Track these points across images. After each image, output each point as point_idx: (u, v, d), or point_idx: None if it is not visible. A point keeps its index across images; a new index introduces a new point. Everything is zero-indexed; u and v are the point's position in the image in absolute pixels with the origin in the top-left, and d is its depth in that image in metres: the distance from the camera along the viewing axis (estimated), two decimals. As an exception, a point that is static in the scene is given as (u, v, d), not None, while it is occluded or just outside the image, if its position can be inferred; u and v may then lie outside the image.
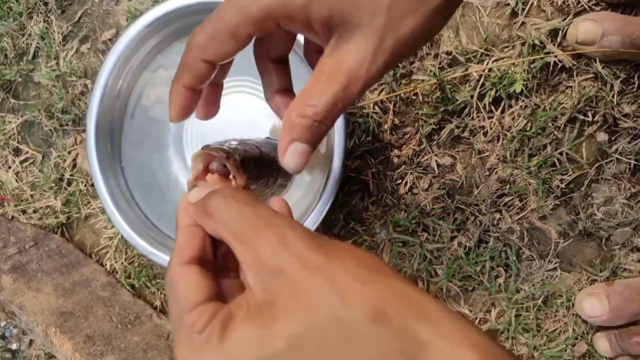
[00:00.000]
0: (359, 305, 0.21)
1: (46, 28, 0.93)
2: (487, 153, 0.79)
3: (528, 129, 0.77)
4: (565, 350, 0.78)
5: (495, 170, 0.79)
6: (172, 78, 0.33)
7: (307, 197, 0.73)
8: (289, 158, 0.30)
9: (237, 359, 0.23)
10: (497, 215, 0.79)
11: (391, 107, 0.81)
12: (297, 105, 0.29)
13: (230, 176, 0.35)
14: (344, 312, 0.21)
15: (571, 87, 0.76)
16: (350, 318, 0.21)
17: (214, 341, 0.23)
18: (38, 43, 0.94)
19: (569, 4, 0.76)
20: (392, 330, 0.21)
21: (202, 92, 0.34)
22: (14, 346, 0.97)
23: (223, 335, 0.23)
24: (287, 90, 0.35)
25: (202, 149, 0.36)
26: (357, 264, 0.24)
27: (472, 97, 0.77)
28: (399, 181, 0.82)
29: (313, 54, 0.35)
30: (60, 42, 0.93)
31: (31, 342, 0.97)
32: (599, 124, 0.77)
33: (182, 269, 0.28)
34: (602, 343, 0.76)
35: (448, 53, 0.79)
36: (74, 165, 0.93)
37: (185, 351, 0.24)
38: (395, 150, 0.81)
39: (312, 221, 0.66)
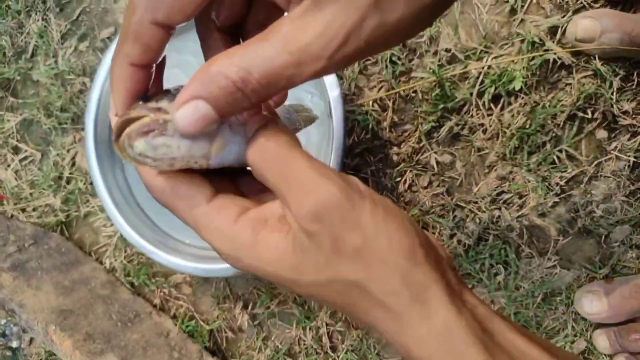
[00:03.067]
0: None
1: (45, 26, 0.93)
2: (487, 150, 0.79)
3: (527, 126, 0.77)
4: (565, 348, 0.78)
5: (495, 168, 0.79)
6: (113, 54, 0.25)
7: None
8: (183, 113, 0.23)
9: (274, 271, 0.25)
10: (497, 213, 0.79)
11: (390, 104, 0.81)
12: (225, 60, 0.22)
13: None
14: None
15: (570, 84, 0.76)
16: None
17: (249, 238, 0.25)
18: (36, 41, 0.94)
19: (567, 1, 0.75)
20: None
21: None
22: (14, 344, 0.98)
23: (255, 230, 0.25)
24: None
25: None
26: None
27: (471, 94, 0.77)
28: (398, 179, 0.81)
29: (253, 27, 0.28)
30: (58, 40, 0.93)
31: (31, 340, 0.97)
32: (598, 122, 0.77)
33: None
34: (602, 340, 0.76)
35: (447, 50, 0.78)
36: (73, 164, 0.93)
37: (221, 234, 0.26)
38: (395, 148, 0.81)
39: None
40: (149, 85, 0.26)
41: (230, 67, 0.22)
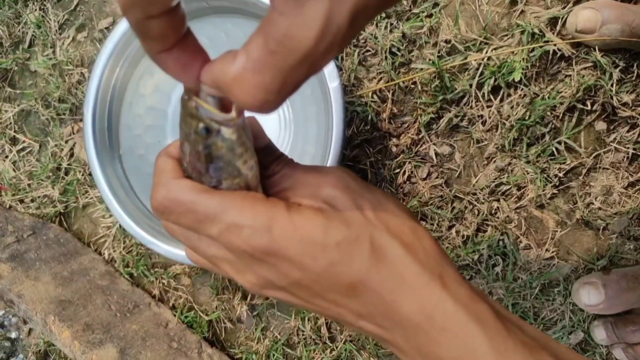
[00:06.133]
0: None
1: (42, 16, 0.92)
2: (486, 142, 0.79)
3: (527, 118, 0.77)
4: (562, 339, 0.79)
5: (494, 160, 0.79)
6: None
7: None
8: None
9: (304, 233, 0.27)
10: (495, 204, 0.80)
11: (390, 95, 0.80)
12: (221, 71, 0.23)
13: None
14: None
15: (570, 75, 0.76)
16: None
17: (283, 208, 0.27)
18: (34, 31, 0.93)
19: (568, -8, 0.75)
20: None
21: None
22: (13, 335, 0.98)
23: (289, 208, 0.28)
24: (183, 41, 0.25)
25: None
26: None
27: (470, 85, 0.77)
28: (397, 170, 0.81)
29: None
30: (56, 31, 0.92)
31: (30, 330, 0.97)
32: (597, 113, 0.77)
33: (177, 181, 0.30)
34: (599, 331, 0.76)
35: (447, 41, 0.78)
36: (72, 155, 0.93)
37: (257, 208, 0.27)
38: (394, 140, 0.81)
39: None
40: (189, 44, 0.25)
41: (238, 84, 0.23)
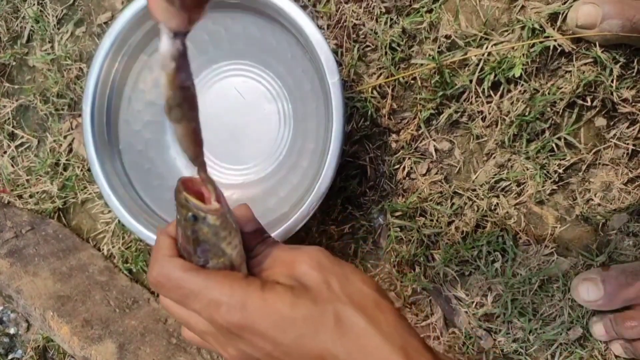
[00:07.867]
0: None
1: (40, 11, 0.92)
2: (485, 138, 0.79)
3: (527, 113, 0.77)
4: (561, 334, 0.79)
5: (493, 155, 0.79)
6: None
7: (304, 182, 0.73)
8: None
9: (274, 309, 0.30)
10: (495, 200, 0.79)
11: (389, 91, 0.80)
12: None
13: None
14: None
15: (570, 71, 0.76)
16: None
17: (257, 287, 0.31)
18: (32, 26, 0.92)
19: (569, -12, 0.75)
20: None
21: None
22: (11, 330, 0.98)
23: (263, 287, 0.31)
24: None
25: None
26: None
27: (471, 81, 0.77)
28: (396, 166, 0.81)
29: None
30: (54, 26, 0.92)
31: (29, 326, 0.97)
32: (597, 109, 0.76)
33: (169, 258, 0.33)
34: (597, 327, 0.76)
35: (447, 37, 0.78)
36: (70, 150, 0.93)
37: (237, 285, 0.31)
38: (394, 135, 0.81)
39: (309, 206, 0.66)
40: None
41: None
